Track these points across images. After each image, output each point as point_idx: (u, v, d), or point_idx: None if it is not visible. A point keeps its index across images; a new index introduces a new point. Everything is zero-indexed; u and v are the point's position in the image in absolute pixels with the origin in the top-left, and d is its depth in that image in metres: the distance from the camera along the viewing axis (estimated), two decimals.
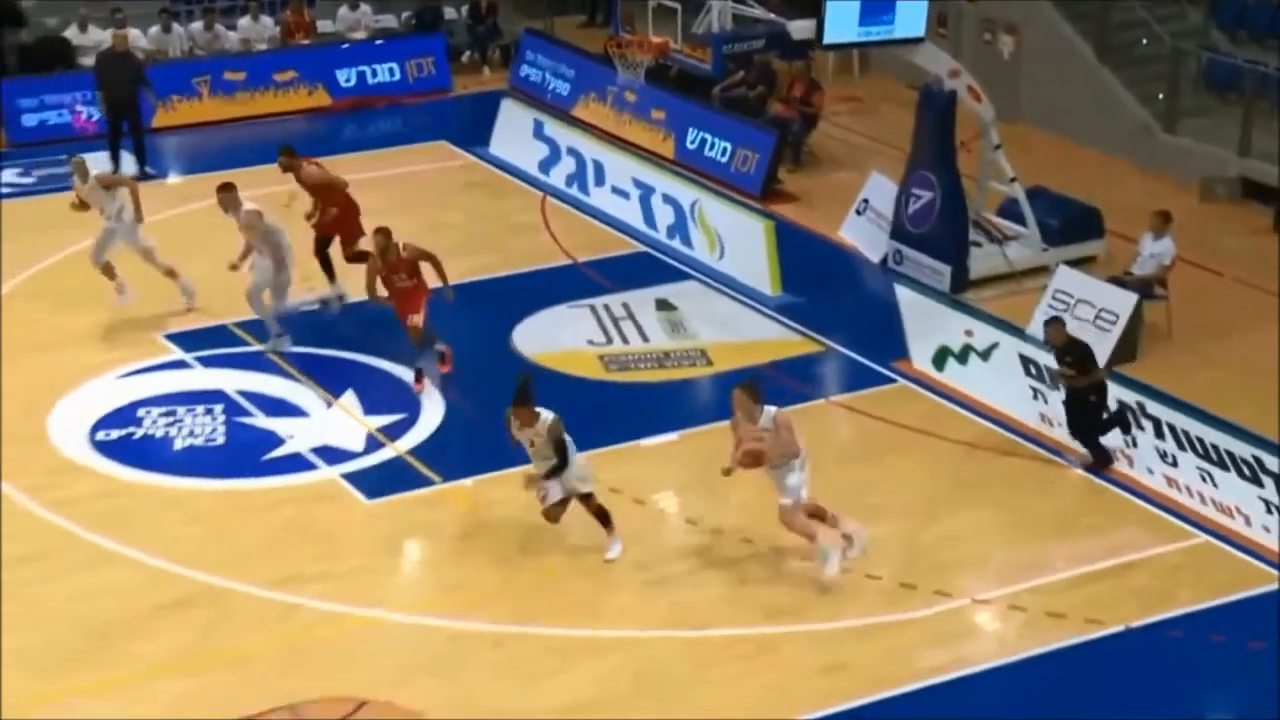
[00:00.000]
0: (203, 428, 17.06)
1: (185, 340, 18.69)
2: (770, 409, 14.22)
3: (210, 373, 18.15)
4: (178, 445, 16.74)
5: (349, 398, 17.65)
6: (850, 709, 12.97)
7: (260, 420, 17.27)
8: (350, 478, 16.27)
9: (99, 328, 18.78)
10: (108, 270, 19.20)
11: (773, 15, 24.90)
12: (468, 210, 23.12)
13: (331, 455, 16.64)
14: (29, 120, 25.31)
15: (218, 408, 17.43)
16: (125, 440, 16.76)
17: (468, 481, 16.08)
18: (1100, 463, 16.26)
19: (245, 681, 13.23)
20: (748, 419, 14.23)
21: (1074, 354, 16.07)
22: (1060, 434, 16.66)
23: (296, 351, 18.42)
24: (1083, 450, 16.34)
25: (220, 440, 16.89)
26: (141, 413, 17.27)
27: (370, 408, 17.50)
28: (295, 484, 16.20)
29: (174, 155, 24.89)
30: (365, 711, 12.91)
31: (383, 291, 17.73)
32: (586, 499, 14.67)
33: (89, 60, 25.61)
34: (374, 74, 27.69)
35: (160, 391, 17.74)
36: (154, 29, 27.32)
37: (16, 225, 19.95)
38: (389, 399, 17.68)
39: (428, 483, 16.15)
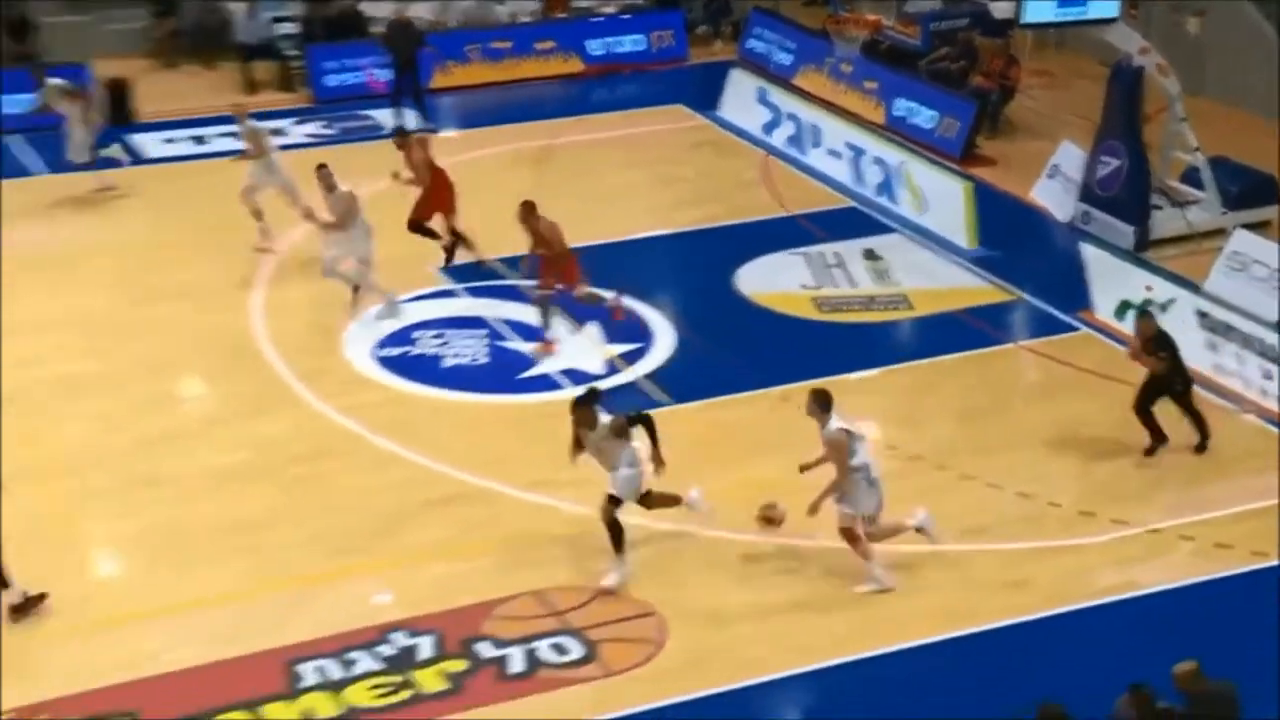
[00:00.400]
0: (467, 349, 17.22)
1: (455, 273, 18.86)
2: (830, 426, 12.72)
3: (475, 301, 18.29)
4: (447, 363, 16.92)
5: (592, 327, 17.66)
6: (1030, 621, 12.73)
7: (516, 344, 17.38)
8: None
9: (384, 259, 18.98)
10: (256, 212, 19.36)
11: None
12: (698, 166, 22.95)
13: (576, 377, 16.65)
14: (331, 80, 25.64)
15: (480, 332, 17.57)
16: (403, 357, 16.98)
17: (694, 404, 16.01)
18: (1158, 441, 15.06)
19: (500, 569, 13.38)
20: (818, 422, 12.82)
21: (1163, 345, 14.96)
22: (1232, 382, 16.11)
23: None
24: (1247, 398, 15.74)
25: (482, 360, 17.03)
26: (417, 334, 17.48)
27: (610, 337, 17.48)
28: (545, 400, 16.22)
29: (448, 112, 25.08)
30: (599, 600, 13.02)
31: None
32: (611, 499, 13.17)
33: (379, 29, 25.94)
34: (621, 44, 27.56)
35: (433, 316, 17.93)
36: (435, 2, 27.54)
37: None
38: (627, 329, 17.63)
39: (659, 403, 16.10)
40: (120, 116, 23.65)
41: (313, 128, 24.08)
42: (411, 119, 24.05)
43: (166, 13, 26.81)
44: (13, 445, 14.95)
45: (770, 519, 13.36)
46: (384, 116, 24.39)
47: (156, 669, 12.11)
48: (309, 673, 12.08)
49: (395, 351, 17.08)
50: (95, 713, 11.62)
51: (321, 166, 17.76)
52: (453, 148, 23.23)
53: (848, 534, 12.97)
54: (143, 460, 14.96)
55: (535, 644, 12.49)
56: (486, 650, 12.43)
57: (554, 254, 16.90)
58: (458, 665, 12.28)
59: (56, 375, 16.46)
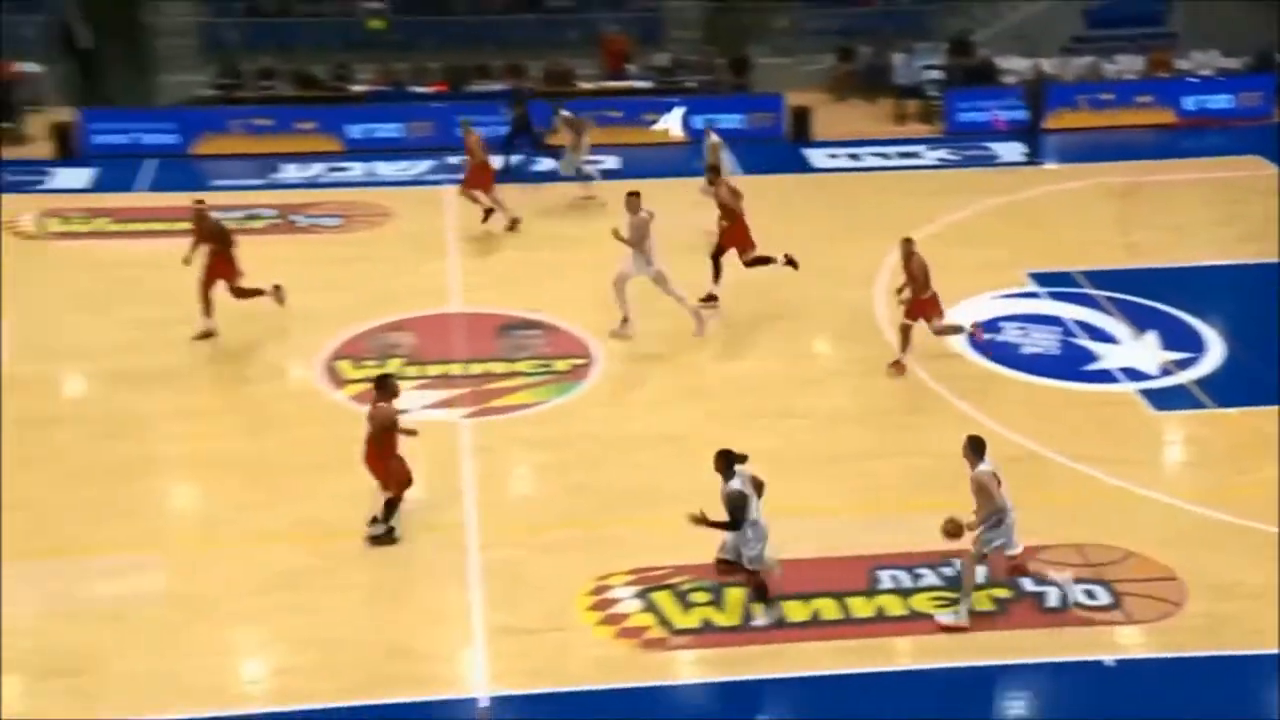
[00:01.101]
0: (1043, 341, 16.50)
1: (1041, 278, 18.07)
2: (979, 468, 11.15)
3: (1055, 303, 17.45)
4: (1025, 350, 16.26)
5: (1151, 334, 16.50)
6: None
7: (1084, 341, 16.48)
8: (1144, 393, 15.25)
9: (980, 264, 18.41)
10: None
11: None
12: (1265, 208, 20.59)
13: (1132, 374, 15.65)
14: (962, 117, 24.82)
15: (1056, 329, 16.77)
16: (990, 342, 16.45)
17: (1235, 410, 14.67)
18: None
19: (1047, 520, 12.73)
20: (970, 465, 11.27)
21: None
22: None
23: (1119, 297, 17.39)
24: None
25: (1054, 351, 16.27)
26: (1004, 324, 16.87)
27: (1167, 344, 16.27)
28: (1102, 390, 15.36)
29: (1054, 148, 23.94)
30: (1129, 560, 12.21)
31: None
32: (746, 572, 11.37)
33: (1006, 79, 25.28)
34: (1212, 102, 25.39)
35: (1019, 311, 17.25)
36: (1057, 59, 26.45)
37: (943, 188, 20.02)
38: (1182, 339, 16.37)
39: (1203, 406, 14.89)
40: (801, 136, 24.29)
41: (943, 153, 23.72)
42: (1016, 152, 23.30)
43: (847, 58, 27.20)
44: (677, 373, 15.65)
45: (949, 532, 11.28)
46: (1001, 148, 23.72)
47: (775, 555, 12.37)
48: (885, 578, 12.04)
49: (984, 336, 16.56)
50: (716, 579, 11.98)
51: (631, 194, 16.00)
52: (1052, 178, 22.40)
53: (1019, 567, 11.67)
54: (783, 397, 15.25)
55: (1071, 587, 11.86)
56: (1028, 585, 11.93)
57: (918, 290, 15.38)
58: (1004, 593, 11.86)
59: (715, 325, 16.78)
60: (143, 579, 12.04)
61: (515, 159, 21.77)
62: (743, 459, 11.25)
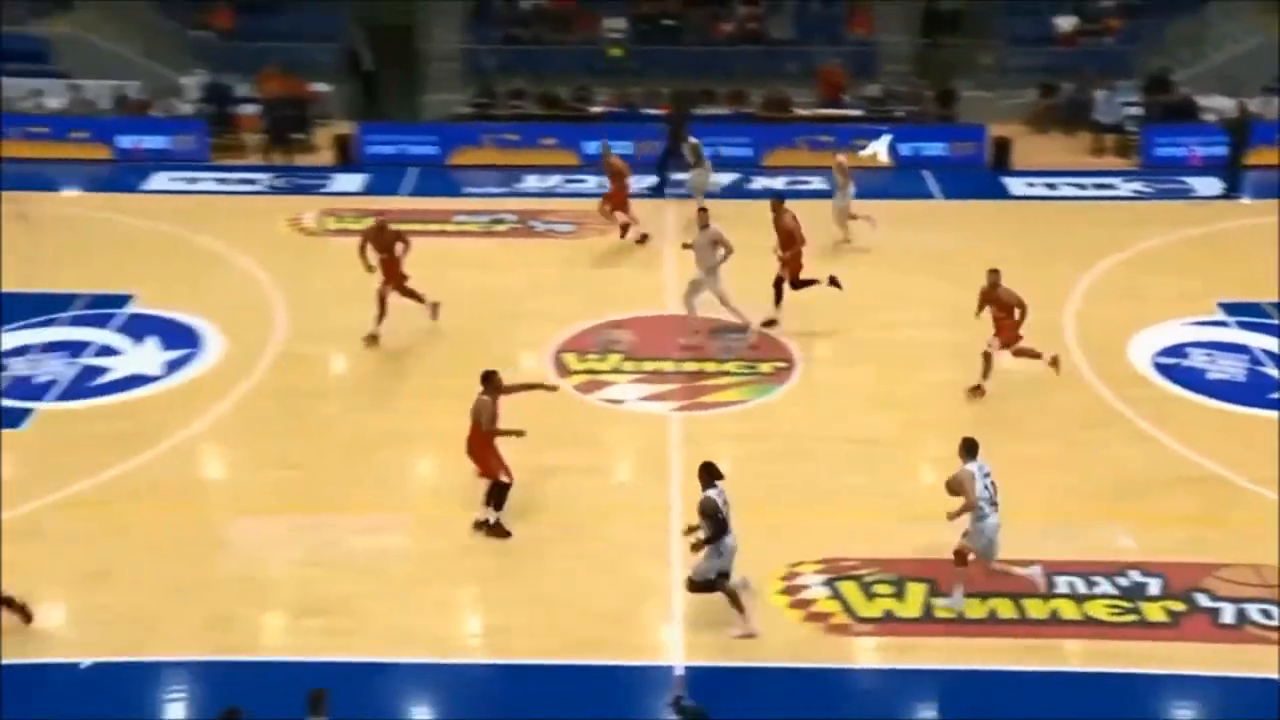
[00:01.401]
0: (1230, 367, 15.53)
1: (1230, 308, 17.03)
2: (963, 467, 10.94)
3: (1242, 332, 16.43)
4: (1210, 376, 15.38)
5: None
6: None
7: (1270, 370, 15.48)
8: None
9: (1169, 291, 17.44)
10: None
11: None
12: None
13: None
14: (1159, 152, 23.57)
15: (1243, 356, 15.78)
16: (1176, 366, 15.62)
17: None
18: None
19: (1225, 539, 12.13)
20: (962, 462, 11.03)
21: None
22: None
23: None
24: None
25: (1240, 378, 15.32)
26: (1190, 350, 15.98)
27: None
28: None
29: (1250, 183, 22.52)
30: None
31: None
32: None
33: (1207, 117, 23.88)
34: None
35: (1208, 339, 16.30)
36: (1259, 99, 24.87)
37: (1137, 218, 19.01)
38: None
39: None
40: (1001, 165, 23.56)
41: (1138, 186, 22.62)
42: (1218, 186, 21.99)
43: (1049, 93, 26.23)
44: (871, 380, 15.30)
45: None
46: (1197, 183, 22.46)
47: (945, 554, 11.92)
48: (1061, 583, 11.57)
49: (1170, 361, 15.76)
50: (899, 573, 11.88)
51: (700, 210, 16.11)
52: (1248, 212, 21.15)
53: (958, 555, 11.21)
54: (970, 408, 14.70)
55: (1246, 605, 11.26)
56: (1203, 600, 11.35)
57: (1000, 315, 14.59)
58: (1178, 606, 11.31)
59: (913, 338, 16.53)
60: (389, 537, 12.51)
61: (672, 176, 21.60)
62: (721, 476, 10.87)
